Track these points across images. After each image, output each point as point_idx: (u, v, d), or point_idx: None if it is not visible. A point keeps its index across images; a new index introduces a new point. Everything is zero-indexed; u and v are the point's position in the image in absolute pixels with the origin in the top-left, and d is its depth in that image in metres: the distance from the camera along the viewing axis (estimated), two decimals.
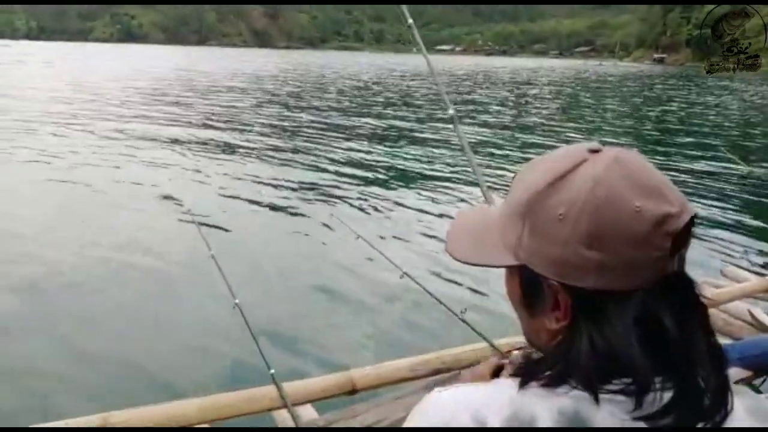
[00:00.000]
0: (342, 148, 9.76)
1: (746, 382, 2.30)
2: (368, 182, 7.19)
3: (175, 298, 4.11)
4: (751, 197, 7.72)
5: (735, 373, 2.25)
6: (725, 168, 9.34)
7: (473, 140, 9.90)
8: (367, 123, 11.97)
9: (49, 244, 4.96)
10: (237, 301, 2.09)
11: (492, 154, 8.86)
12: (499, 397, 0.57)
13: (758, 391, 1.00)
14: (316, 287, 4.30)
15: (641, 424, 0.53)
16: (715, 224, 6.10)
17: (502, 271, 0.67)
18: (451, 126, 1.95)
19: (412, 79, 28.25)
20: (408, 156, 8.07)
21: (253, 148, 9.70)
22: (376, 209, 6.27)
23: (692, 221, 0.57)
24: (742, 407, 0.56)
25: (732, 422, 0.55)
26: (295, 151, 9.53)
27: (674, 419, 0.53)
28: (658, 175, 0.58)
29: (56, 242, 5.02)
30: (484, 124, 13.25)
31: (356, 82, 29.62)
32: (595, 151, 0.60)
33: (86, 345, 3.44)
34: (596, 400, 0.54)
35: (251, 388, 1.91)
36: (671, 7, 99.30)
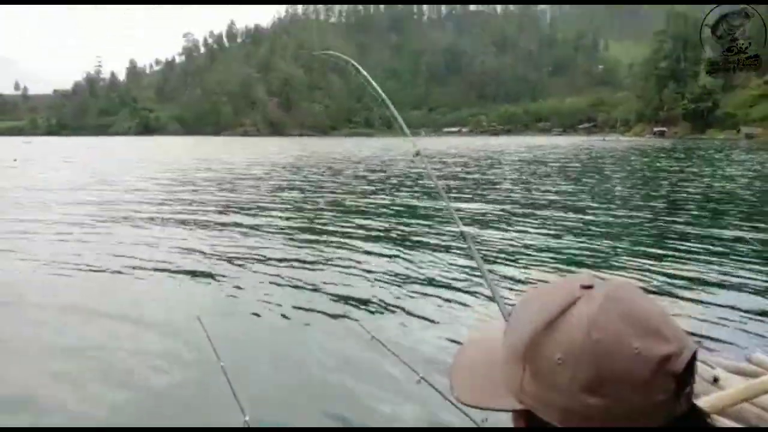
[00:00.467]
0: (348, 256, 9.79)
1: None
2: (385, 282, 7.00)
3: (186, 414, 3.96)
4: None
5: None
6: (739, 238, 9.18)
7: (485, 246, 9.86)
8: (379, 225, 12.11)
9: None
10: (246, 418, 2.09)
11: (504, 259, 8.05)
12: None
13: None
14: (330, 396, 4.11)
15: None
16: (734, 305, 5.87)
17: None
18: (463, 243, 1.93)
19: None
20: (422, 263, 7.84)
21: (265, 257, 9.77)
22: (390, 310, 6.03)
23: (694, 358, 0.56)
24: None
25: None
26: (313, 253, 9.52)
27: None
28: (653, 310, 0.58)
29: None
30: (493, 227, 13.31)
31: (366, 170, 30.33)
32: (587, 287, 0.60)
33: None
34: None
35: None
36: (666, 83, 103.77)
